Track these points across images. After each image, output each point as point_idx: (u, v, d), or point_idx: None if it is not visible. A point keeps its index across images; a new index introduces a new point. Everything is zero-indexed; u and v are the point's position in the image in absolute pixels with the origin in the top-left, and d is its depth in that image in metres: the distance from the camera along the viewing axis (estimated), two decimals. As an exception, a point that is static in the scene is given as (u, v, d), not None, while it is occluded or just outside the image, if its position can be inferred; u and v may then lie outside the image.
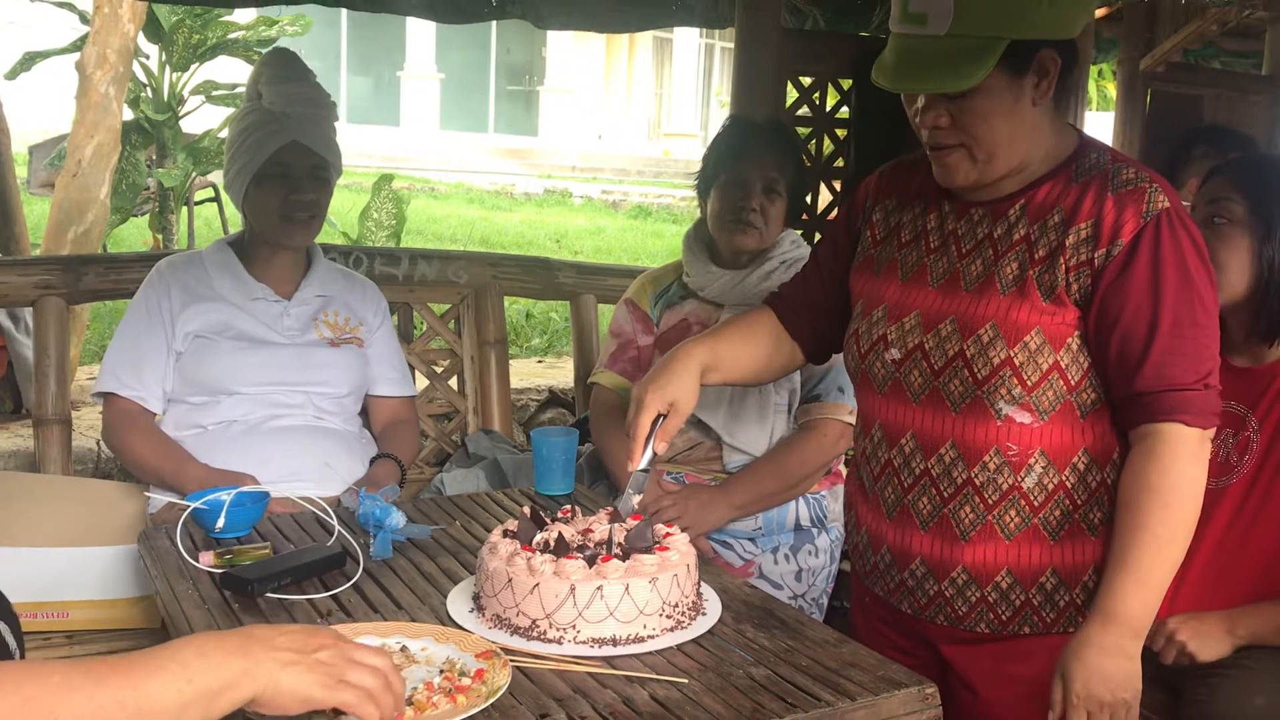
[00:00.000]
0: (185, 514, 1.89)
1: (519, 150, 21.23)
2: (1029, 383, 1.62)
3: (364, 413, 2.70)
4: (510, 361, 4.16)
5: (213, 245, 2.64)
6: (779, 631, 1.64)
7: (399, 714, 1.33)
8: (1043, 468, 1.65)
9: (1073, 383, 1.64)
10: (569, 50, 23.03)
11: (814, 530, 2.52)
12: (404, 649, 1.51)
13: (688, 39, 24.10)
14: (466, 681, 1.42)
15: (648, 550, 1.64)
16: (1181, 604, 2.03)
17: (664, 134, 24.18)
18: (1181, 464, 1.58)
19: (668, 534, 1.72)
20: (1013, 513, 1.67)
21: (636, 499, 1.81)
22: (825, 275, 1.95)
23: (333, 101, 2.58)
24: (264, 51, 3.44)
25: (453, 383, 3.11)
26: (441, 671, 1.46)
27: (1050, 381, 1.63)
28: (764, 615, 1.70)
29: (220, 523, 1.89)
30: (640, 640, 1.57)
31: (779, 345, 1.98)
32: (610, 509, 1.80)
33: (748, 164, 2.47)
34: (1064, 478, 1.66)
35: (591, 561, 1.60)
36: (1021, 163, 1.65)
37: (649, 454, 1.80)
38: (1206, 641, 1.93)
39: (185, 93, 5.71)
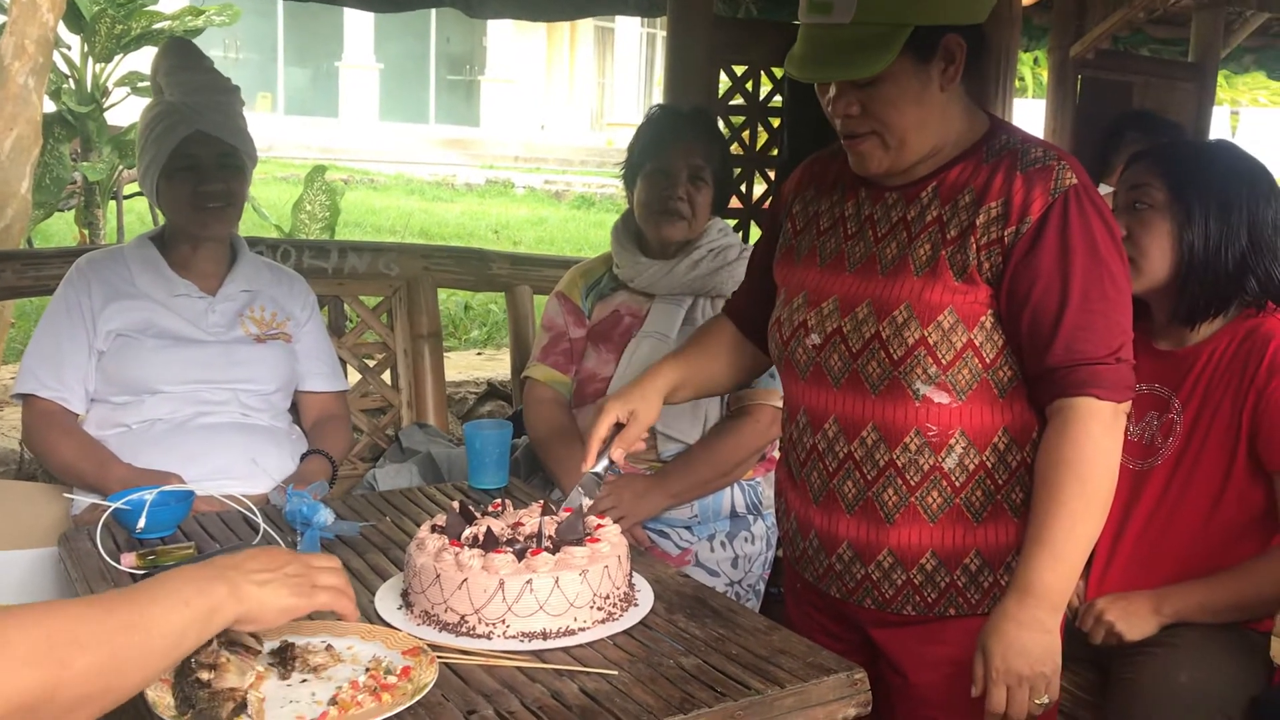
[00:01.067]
0: (105, 514, 1.85)
1: (460, 141, 21.08)
2: (943, 361, 1.63)
3: (295, 409, 2.67)
4: (449, 354, 4.12)
5: (134, 241, 2.58)
6: (710, 620, 1.64)
7: (323, 715, 1.33)
8: (963, 448, 1.66)
9: (988, 360, 1.64)
10: (510, 40, 22.88)
11: (750, 517, 2.52)
12: (329, 648, 1.49)
13: (629, 29, 24.06)
14: (392, 680, 1.41)
15: (578, 543, 1.63)
16: (1110, 584, 2.07)
17: (607, 124, 24.13)
18: (1094, 438, 1.58)
19: (599, 526, 1.71)
20: (935, 494, 1.68)
21: (586, 501, 1.83)
22: (761, 273, 1.96)
23: (236, 87, 2.53)
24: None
25: (386, 376, 3.08)
26: (367, 670, 1.44)
27: (965, 360, 1.64)
28: (696, 605, 1.70)
29: (142, 523, 1.85)
30: (571, 633, 1.56)
31: (741, 351, 2.02)
32: (542, 501, 1.79)
33: (673, 153, 2.46)
34: (984, 458, 1.67)
35: (521, 555, 1.58)
36: (934, 147, 1.67)
37: (604, 460, 1.86)
38: (1134, 621, 1.96)
39: (110, 84, 5.57)
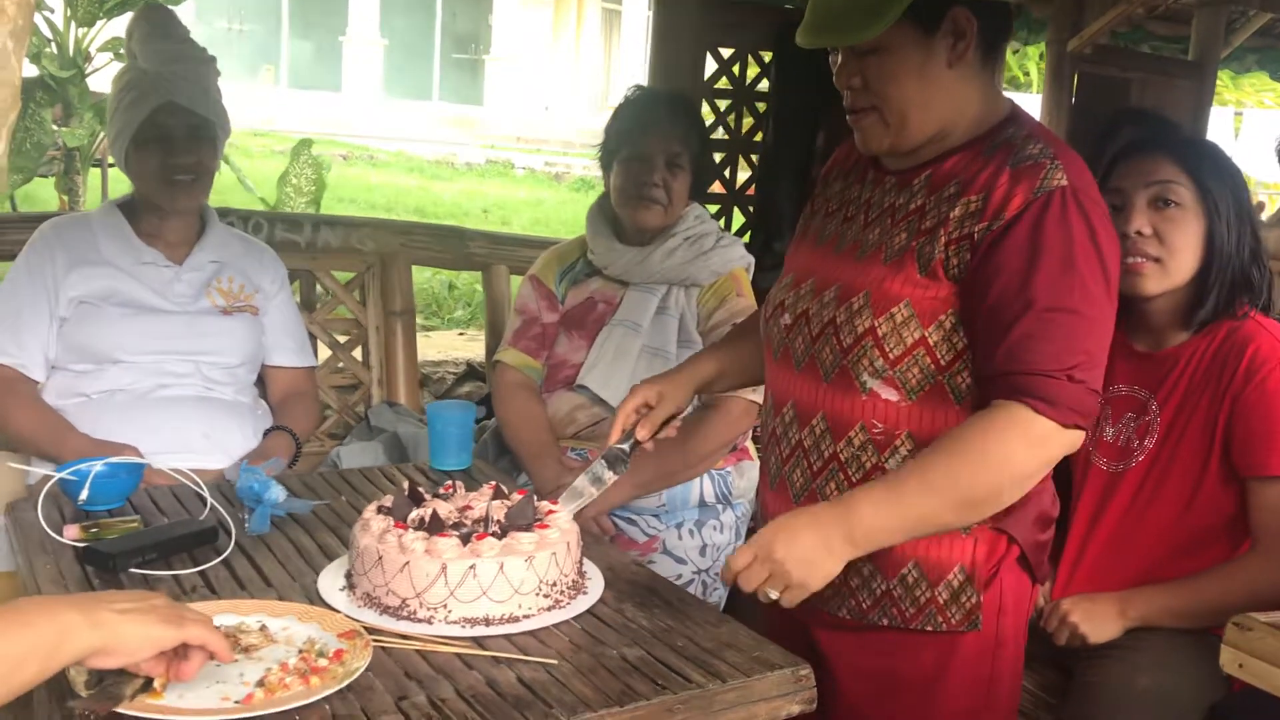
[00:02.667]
0: (48, 485, 1.81)
1: (463, 119, 21.01)
2: (891, 355, 1.57)
3: (264, 384, 2.63)
4: (431, 334, 4.09)
5: (101, 207, 2.54)
6: (660, 611, 1.61)
7: (249, 696, 1.29)
8: (909, 450, 1.59)
9: (942, 363, 1.57)
10: (515, 19, 22.78)
11: (719, 506, 2.49)
12: (263, 628, 1.46)
13: (636, 10, 23.93)
14: (323, 663, 1.37)
15: (526, 528, 1.60)
16: (1078, 584, 2.04)
17: (610, 106, 23.95)
18: (1009, 440, 1.47)
19: (550, 511, 1.67)
20: None
21: (609, 475, 1.80)
22: None
23: (212, 57, 2.48)
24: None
25: (357, 353, 3.04)
26: (300, 652, 1.40)
27: (915, 358, 1.57)
28: (647, 594, 1.66)
29: (84, 494, 1.81)
30: (515, 620, 1.52)
31: None
32: (493, 484, 1.76)
33: (650, 138, 2.42)
34: None
35: (466, 539, 1.55)
36: (941, 130, 1.59)
37: (630, 439, 1.82)
38: (1097, 623, 1.93)
39: (92, 49, 5.50)
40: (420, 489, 1.71)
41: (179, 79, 2.41)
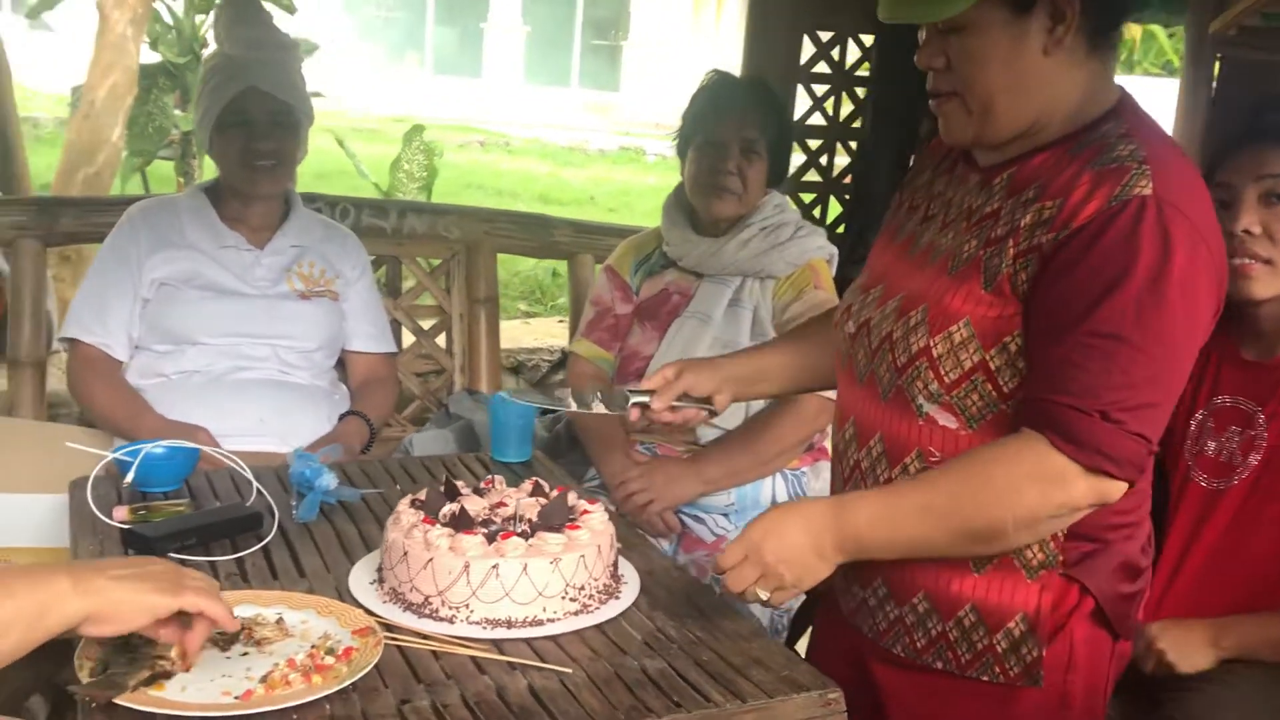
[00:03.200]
0: (99, 465, 1.84)
1: (601, 105, 21.11)
2: (947, 380, 1.42)
3: (344, 368, 2.65)
4: (532, 320, 4.08)
5: (188, 190, 2.59)
6: (692, 621, 1.54)
7: (248, 692, 1.28)
8: None
9: (1005, 390, 1.40)
10: (655, 5, 22.74)
11: (793, 509, 2.40)
12: (280, 621, 1.44)
13: (775, -4, 23.65)
14: (330, 660, 1.35)
15: (556, 528, 1.54)
16: (1169, 608, 1.89)
17: (748, 93, 23.77)
18: (1019, 473, 1.33)
19: (585, 512, 1.62)
20: None
21: (598, 405, 1.74)
22: None
23: (293, 42, 2.50)
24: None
25: (440, 340, 3.04)
26: (311, 648, 1.38)
27: (974, 383, 1.41)
28: (681, 602, 1.59)
29: (130, 476, 1.83)
30: (538, 623, 1.47)
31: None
32: (533, 480, 1.71)
33: (725, 124, 2.33)
34: None
35: (492, 538, 1.50)
36: (1034, 123, 1.41)
37: (644, 398, 1.73)
38: (1186, 651, 1.78)
39: (208, 36, 5.65)
40: (458, 483, 1.68)
41: (261, 65, 2.43)
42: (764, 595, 1.44)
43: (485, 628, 1.46)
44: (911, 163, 1.81)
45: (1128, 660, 1.60)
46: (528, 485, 1.70)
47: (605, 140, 16.93)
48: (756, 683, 1.38)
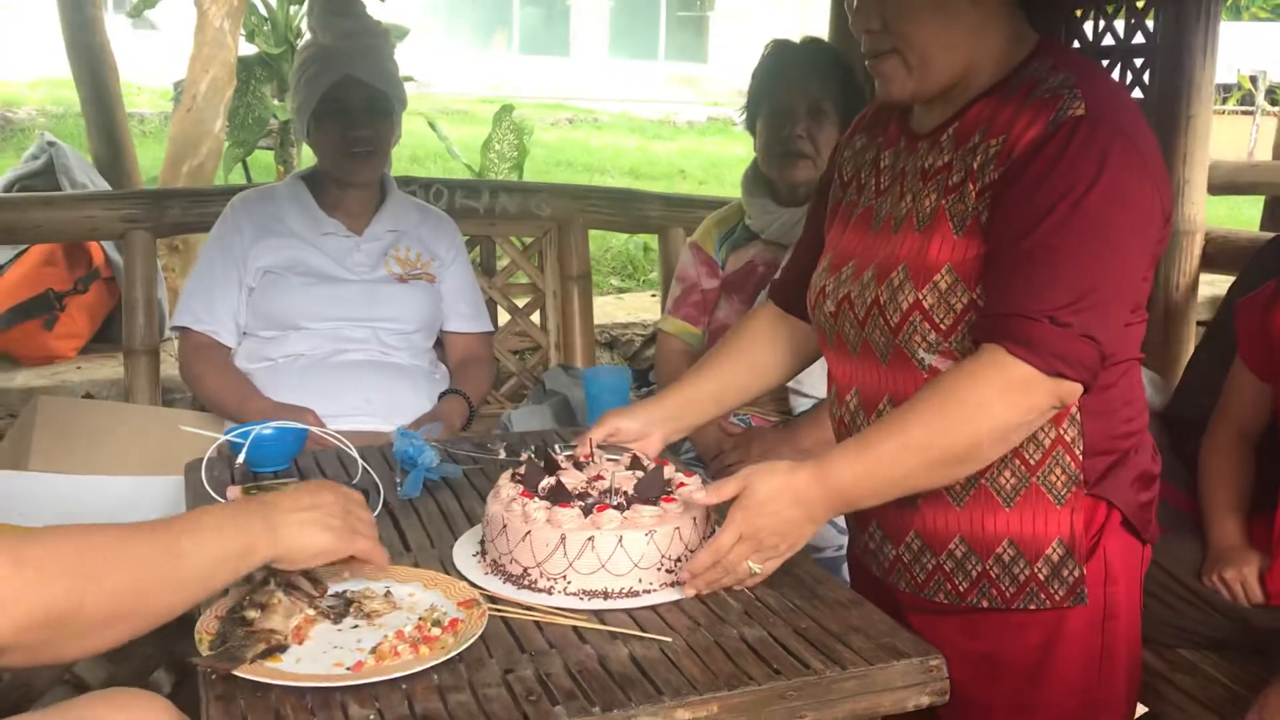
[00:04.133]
0: (213, 446, 1.90)
1: (688, 78, 21.01)
2: (943, 327, 1.46)
3: (442, 348, 2.70)
4: (625, 295, 4.10)
5: (288, 179, 2.66)
6: (790, 589, 1.54)
7: (359, 663, 1.32)
8: None
9: None
10: (740, -27, 22.54)
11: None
12: (388, 594, 1.48)
13: (863, -42, 23.21)
14: (436, 632, 1.38)
15: (652, 501, 1.56)
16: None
17: (836, 57, 23.42)
18: (985, 387, 1.36)
19: (680, 484, 1.63)
20: None
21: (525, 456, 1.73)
22: (811, 234, 1.82)
23: (386, 30, 2.54)
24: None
25: (535, 318, 3.07)
26: (419, 619, 1.42)
27: (968, 324, 1.44)
28: (779, 571, 1.59)
29: (241, 457, 1.90)
30: (634, 594, 1.49)
31: (780, 334, 1.84)
32: (631, 453, 1.73)
33: (788, 90, 2.32)
34: None
35: (588, 511, 1.53)
36: (965, 71, 1.47)
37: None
38: None
39: (302, 26, 5.77)
40: (557, 456, 1.70)
41: (355, 53, 2.49)
42: (757, 569, 1.47)
43: (582, 599, 1.48)
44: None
45: (1150, 562, 1.62)
46: (626, 458, 1.72)
47: (694, 112, 16.85)
48: (857, 650, 1.38)
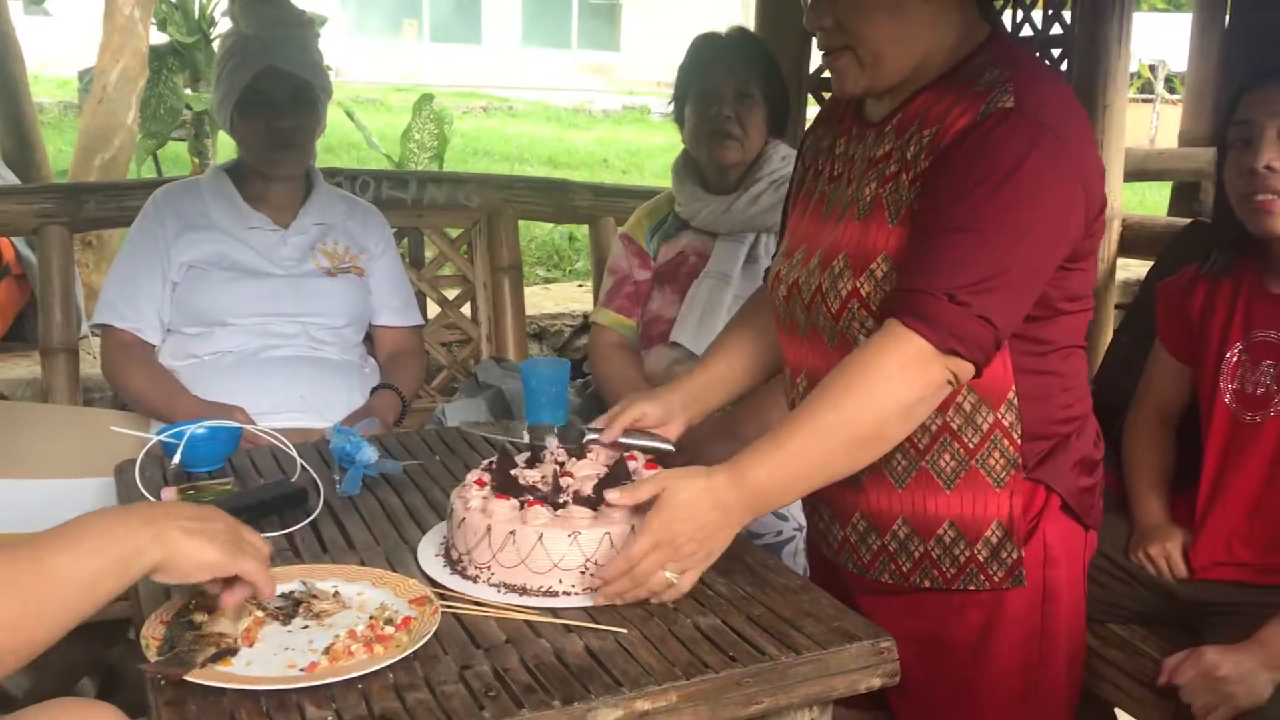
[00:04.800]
0: (146, 446, 1.86)
1: (601, 66, 21.00)
2: (880, 314, 1.47)
3: (371, 342, 2.66)
4: (551, 286, 4.08)
5: (210, 172, 2.59)
6: (740, 576, 1.55)
7: (313, 664, 1.30)
8: None
9: None
10: (652, -38, 22.55)
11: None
12: (336, 594, 1.46)
13: (773, -53, 23.38)
14: (390, 630, 1.37)
15: (592, 503, 1.53)
16: (1207, 546, 1.91)
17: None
18: (885, 363, 1.39)
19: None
20: (898, 455, 1.53)
21: (553, 442, 1.73)
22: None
23: (310, 19, 2.49)
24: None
25: (465, 310, 3.05)
26: (370, 619, 1.40)
27: None
28: (728, 559, 1.59)
29: (177, 457, 1.86)
30: (552, 594, 1.46)
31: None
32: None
33: (715, 74, 2.35)
34: (948, 419, 1.51)
35: (522, 505, 1.51)
36: (918, 66, 1.50)
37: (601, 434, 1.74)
38: (1248, 685, 1.68)
39: (216, 14, 5.64)
40: (545, 451, 1.69)
41: (279, 43, 2.43)
42: (674, 579, 1.43)
43: (501, 591, 1.47)
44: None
45: (1094, 549, 1.66)
46: (608, 456, 1.68)
47: (608, 101, 16.84)
48: (809, 635, 1.39)
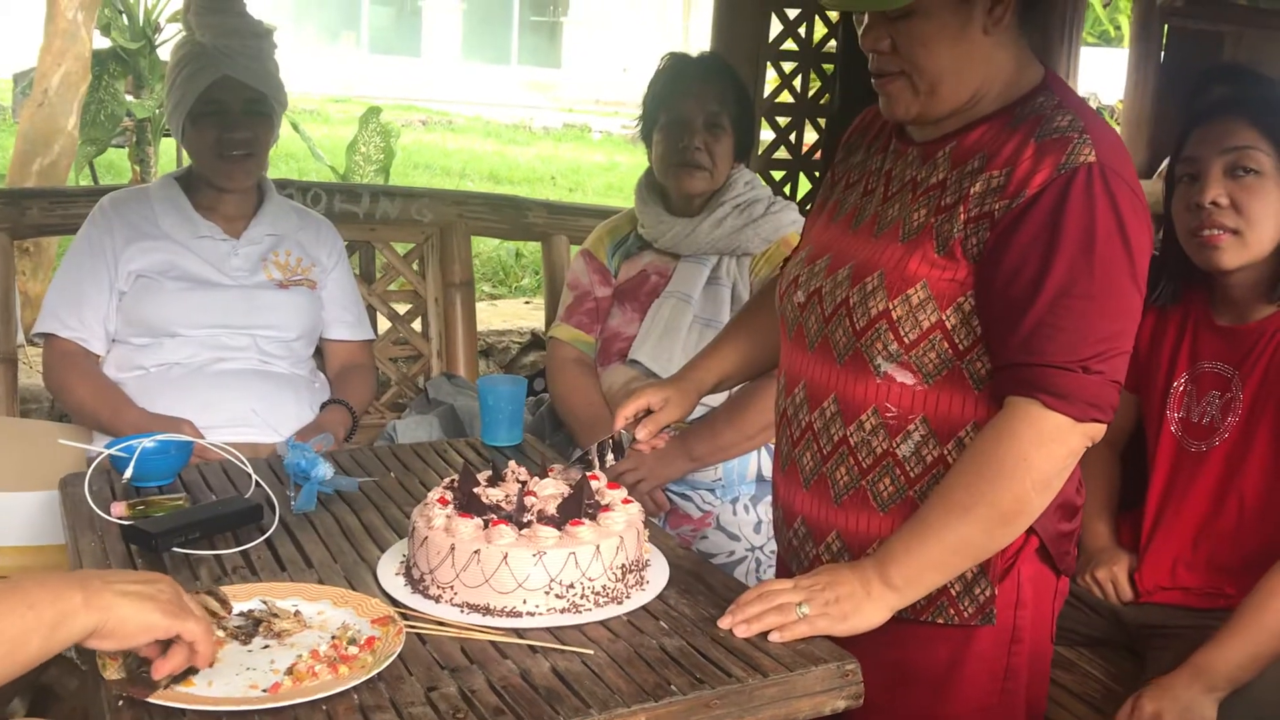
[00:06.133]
0: (96, 460, 1.81)
1: (542, 83, 20.97)
2: (906, 340, 1.48)
3: (321, 357, 2.63)
4: (498, 302, 4.07)
5: (159, 181, 2.55)
6: (704, 598, 1.56)
7: (275, 685, 1.28)
8: (922, 436, 1.51)
9: (960, 348, 1.48)
10: (594, -19, 22.63)
11: (778, 483, 2.43)
12: (297, 614, 1.44)
13: (714, -30, 23.58)
14: (354, 650, 1.35)
15: (558, 524, 1.52)
16: (1151, 570, 1.95)
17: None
18: (1019, 443, 1.40)
19: (606, 509, 1.57)
20: (886, 480, 1.54)
21: (610, 458, 1.77)
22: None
23: (268, 30, 2.46)
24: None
25: (416, 325, 3.02)
26: (333, 638, 1.38)
27: (932, 342, 1.48)
28: (692, 581, 1.61)
29: (129, 472, 1.82)
30: (516, 614, 1.45)
31: None
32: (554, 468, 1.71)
33: (687, 101, 2.36)
34: (946, 451, 1.50)
35: (487, 524, 1.50)
36: (973, 98, 1.49)
37: (627, 435, 1.79)
38: (1191, 712, 1.70)
39: (161, 20, 5.54)
40: (506, 470, 1.68)
41: (235, 53, 2.40)
42: (805, 610, 1.45)
43: (464, 611, 1.46)
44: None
45: (1066, 595, 1.68)
46: (574, 473, 1.67)
47: (548, 118, 16.83)
48: (775, 657, 1.40)
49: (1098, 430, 1.43)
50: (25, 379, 2.83)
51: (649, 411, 1.79)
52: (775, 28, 3.21)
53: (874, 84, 1.54)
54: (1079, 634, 2.03)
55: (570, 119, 16.84)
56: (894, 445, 1.52)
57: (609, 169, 11.57)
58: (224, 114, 2.38)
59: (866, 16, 1.49)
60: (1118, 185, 1.40)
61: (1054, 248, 1.39)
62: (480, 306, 4.30)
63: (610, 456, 1.76)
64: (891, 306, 1.48)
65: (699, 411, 2.36)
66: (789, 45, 3.24)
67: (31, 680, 2.52)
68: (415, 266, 3.01)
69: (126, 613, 1.15)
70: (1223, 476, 1.90)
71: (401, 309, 3.01)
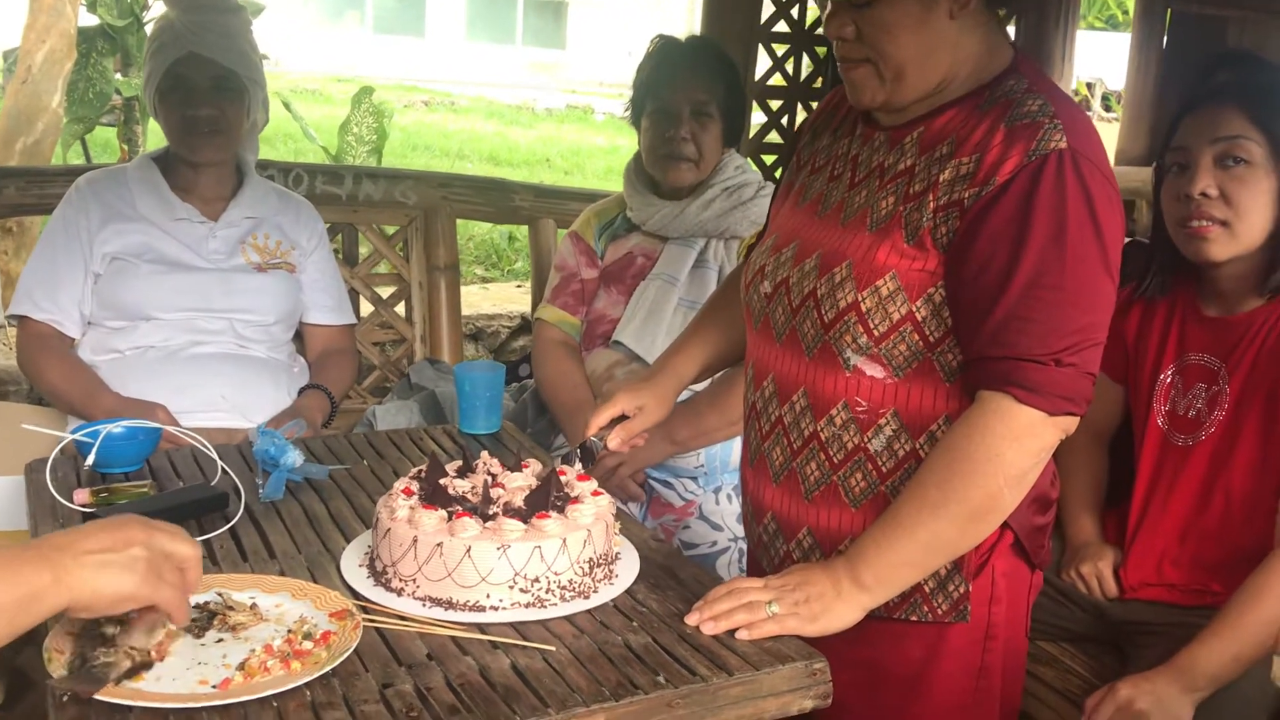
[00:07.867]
0: (59, 445, 1.78)
1: (546, 64, 20.91)
2: (876, 332, 1.44)
3: (301, 340, 2.60)
4: (489, 285, 4.04)
5: (137, 161, 2.51)
6: (674, 594, 1.52)
7: (226, 680, 1.25)
8: (893, 430, 1.47)
9: (931, 339, 1.44)
10: (599, -39, 22.52)
11: (762, 472, 2.40)
12: (254, 606, 1.41)
13: (720, -49, 23.44)
14: (308, 645, 1.32)
15: (524, 516, 1.49)
16: (1137, 565, 1.92)
17: (695, 49, 23.58)
18: (991, 437, 1.36)
19: (574, 501, 1.55)
20: (859, 476, 1.50)
21: (576, 467, 1.70)
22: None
23: (240, 6, 2.42)
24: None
25: (400, 309, 2.99)
26: (288, 632, 1.35)
27: (902, 334, 1.44)
28: (662, 575, 1.58)
29: (91, 458, 1.78)
30: (479, 609, 1.42)
31: None
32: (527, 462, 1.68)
33: (674, 90, 2.32)
34: (918, 445, 1.47)
35: (450, 516, 1.47)
36: (940, 83, 1.45)
37: (600, 440, 1.76)
38: (1167, 710, 1.68)
39: (148, -4, 5.52)
40: (477, 462, 1.64)
41: (203, 29, 2.36)
42: (774, 609, 1.41)
43: (426, 605, 1.42)
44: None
45: (1040, 589, 1.65)
46: (538, 466, 1.65)
47: (552, 99, 16.77)
48: (742, 655, 1.36)
49: (1071, 423, 1.40)
50: (4, 360, 2.80)
51: (624, 417, 1.75)
52: (767, 9, 3.16)
53: (839, 70, 1.51)
54: (1061, 629, 2.00)
55: (574, 100, 16.78)
56: (865, 440, 1.49)
57: (610, 152, 11.52)
58: (188, 90, 2.35)
59: (830, 3, 1.46)
60: (1089, 171, 1.36)
61: (1024, 237, 1.35)
62: (471, 290, 4.27)
63: (578, 466, 1.71)
64: (861, 298, 1.44)
65: (681, 395, 2.33)
66: (781, 27, 3.19)
67: (5, 663, 2.50)
68: (399, 249, 2.97)
69: (100, 584, 1.11)
70: (1209, 472, 1.87)
71: (385, 292, 2.98)
